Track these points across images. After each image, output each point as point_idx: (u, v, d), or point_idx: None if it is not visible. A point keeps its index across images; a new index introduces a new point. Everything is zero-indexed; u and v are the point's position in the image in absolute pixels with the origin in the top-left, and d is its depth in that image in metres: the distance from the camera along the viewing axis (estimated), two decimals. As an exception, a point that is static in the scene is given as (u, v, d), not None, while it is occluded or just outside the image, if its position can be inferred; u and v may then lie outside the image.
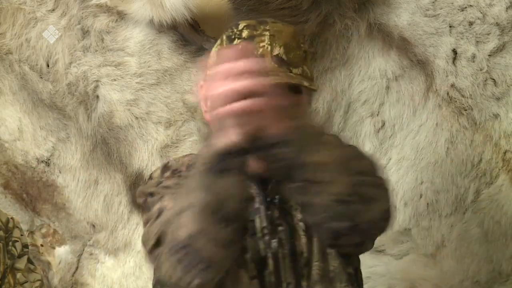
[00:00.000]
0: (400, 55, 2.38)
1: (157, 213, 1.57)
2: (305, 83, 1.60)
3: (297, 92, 1.62)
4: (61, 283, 2.56)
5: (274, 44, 1.59)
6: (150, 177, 1.71)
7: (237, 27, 1.65)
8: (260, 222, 1.62)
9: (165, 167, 1.69)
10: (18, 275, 1.99)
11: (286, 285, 1.60)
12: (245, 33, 1.62)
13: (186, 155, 1.77)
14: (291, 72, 1.60)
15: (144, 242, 1.60)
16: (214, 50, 1.70)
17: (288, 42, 1.61)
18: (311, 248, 1.62)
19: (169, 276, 1.48)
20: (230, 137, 1.41)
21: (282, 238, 1.62)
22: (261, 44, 1.59)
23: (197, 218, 1.44)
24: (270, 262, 1.61)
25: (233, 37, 1.64)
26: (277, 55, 1.59)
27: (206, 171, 1.45)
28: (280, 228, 1.63)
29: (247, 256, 1.58)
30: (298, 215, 1.63)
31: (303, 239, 1.63)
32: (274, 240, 1.61)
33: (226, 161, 1.45)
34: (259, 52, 1.58)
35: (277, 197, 1.63)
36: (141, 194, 1.67)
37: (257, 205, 1.63)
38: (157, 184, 1.66)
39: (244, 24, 1.64)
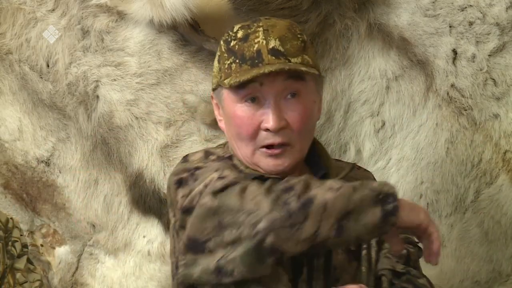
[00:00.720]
0: (400, 55, 2.38)
1: (219, 174, 1.55)
2: (303, 68, 1.60)
3: (299, 79, 1.63)
4: (61, 283, 2.56)
5: (269, 38, 1.60)
6: (186, 160, 1.69)
7: (232, 30, 1.66)
8: None
9: (207, 152, 1.69)
10: (18, 275, 1.99)
11: None
12: (240, 34, 1.63)
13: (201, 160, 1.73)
14: (290, 62, 1.60)
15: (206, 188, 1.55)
16: (217, 58, 1.70)
17: (283, 34, 1.61)
18: (344, 265, 1.65)
19: (256, 208, 1.45)
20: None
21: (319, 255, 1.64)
22: (256, 40, 1.60)
23: None
24: (305, 270, 1.62)
25: (229, 39, 1.65)
26: (273, 47, 1.59)
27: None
28: None
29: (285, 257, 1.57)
30: None
31: (340, 255, 1.65)
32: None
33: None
34: (254, 48, 1.59)
35: None
36: (182, 171, 1.64)
37: None
38: (203, 161, 1.65)
39: (239, 25, 1.66)
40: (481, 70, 2.35)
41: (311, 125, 1.68)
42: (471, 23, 2.35)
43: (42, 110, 2.48)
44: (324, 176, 1.66)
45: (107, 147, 2.47)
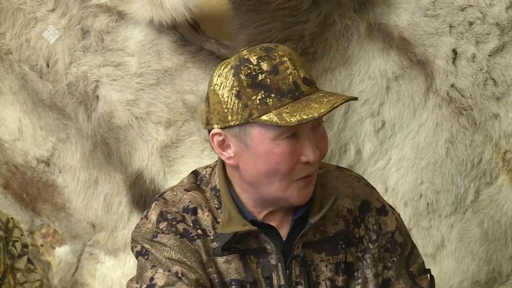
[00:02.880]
0: (400, 55, 2.38)
1: (149, 284, 1.58)
2: (341, 101, 1.54)
3: None
4: (61, 283, 2.56)
5: (297, 67, 1.54)
6: (146, 217, 1.65)
7: (249, 62, 1.53)
8: (277, 279, 1.61)
9: (161, 215, 1.63)
10: (18, 275, 1.99)
11: None
12: (265, 66, 1.53)
13: (185, 186, 1.70)
14: (318, 89, 1.56)
15: None
16: (234, 94, 1.55)
17: (301, 60, 1.57)
18: None
19: None
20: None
21: None
22: (288, 72, 1.52)
23: None
24: None
25: (254, 73, 1.52)
26: (304, 76, 1.54)
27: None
28: (299, 287, 1.62)
29: None
30: (327, 273, 1.63)
31: None
32: None
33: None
34: (291, 81, 1.52)
35: (300, 254, 1.61)
36: (135, 241, 1.64)
37: (273, 261, 1.61)
38: (152, 236, 1.62)
39: (254, 56, 1.54)
40: (481, 70, 2.35)
41: None
42: (471, 23, 2.35)
43: (42, 110, 2.48)
44: (305, 215, 1.63)
45: (107, 147, 2.47)
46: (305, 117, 1.49)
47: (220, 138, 1.58)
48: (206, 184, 1.67)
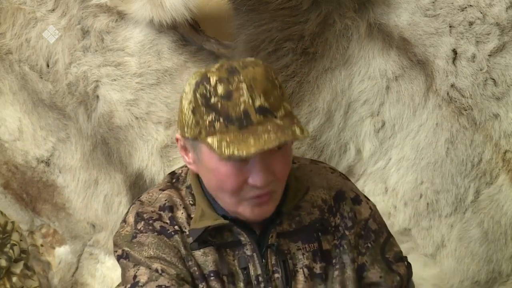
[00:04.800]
0: (400, 55, 2.38)
1: (133, 283, 1.61)
2: (297, 132, 1.53)
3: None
4: (61, 283, 2.56)
5: (254, 95, 1.51)
6: (124, 221, 1.69)
7: (208, 82, 1.54)
8: (254, 269, 1.63)
9: (138, 215, 1.66)
10: (14, 279, 2.00)
11: None
12: (220, 90, 1.52)
13: (160, 187, 1.73)
14: (276, 117, 1.53)
15: None
16: (190, 108, 1.57)
17: (265, 87, 1.53)
18: None
19: None
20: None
21: (278, 286, 1.64)
22: (241, 99, 1.51)
23: None
24: None
25: (208, 95, 1.53)
26: (259, 106, 1.52)
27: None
28: (277, 275, 1.64)
29: None
30: (304, 260, 1.66)
31: (301, 284, 1.65)
32: None
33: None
34: (241, 109, 1.51)
35: (275, 243, 1.64)
36: (116, 246, 1.67)
37: (249, 252, 1.64)
38: (131, 237, 1.64)
39: (215, 77, 1.54)
40: (481, 70, 2.35)
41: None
42: (471, 23, 2.35)
43: (42, 110, 2.48)
44: (279, 206, 1.65)
45: (107, 147, 2.47)
46: (235, 152, 1.48)
47: (181, 143, 1.62)
48: (182, 183, 1.71)
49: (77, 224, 2.52)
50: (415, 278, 2.36)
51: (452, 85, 2.36)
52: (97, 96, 2.46)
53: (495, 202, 2.37)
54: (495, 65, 2.36)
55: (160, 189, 1.70)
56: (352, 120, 2.41)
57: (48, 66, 2.47)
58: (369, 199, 1.79)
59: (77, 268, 2.56)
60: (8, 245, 2.00)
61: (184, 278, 1.60)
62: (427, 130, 2.38)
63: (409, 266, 1.79)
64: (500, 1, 2.34)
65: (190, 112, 1.56)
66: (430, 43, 2.36)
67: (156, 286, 1.57)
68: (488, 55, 2.35)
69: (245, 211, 1.59)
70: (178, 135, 1.62)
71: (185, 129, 1.57)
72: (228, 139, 1.50)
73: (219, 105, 1.51)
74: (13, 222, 2.06)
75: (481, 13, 2.35)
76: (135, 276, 1.61)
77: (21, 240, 2.05)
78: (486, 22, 2.35)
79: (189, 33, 2.45)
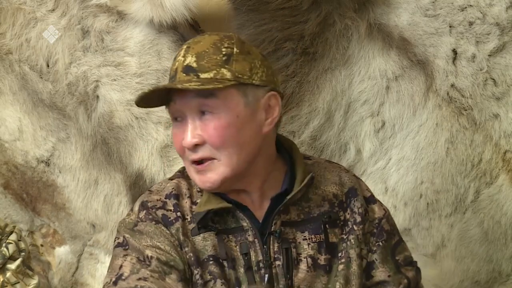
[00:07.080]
0: (400, 55, 2.38)
1: (118, 273, 1.62)
2: (194, 85, 1.59)
3: (209, 96, 1.61)
4: (61, 283, 2.56)
5: (187, 55, 1.62)
6: (131, 209, 1.72)
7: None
8: (255, 255, 1.64)
9: (142, 205, 1.70)
10: (8, 274, 2.01)
11: None
12: (178, 50, 1.67)
13: (171, 177, 1.78)
14: (199, 77, 1.60)
15: None
16: None
17: (203, 49, 1.62)
18: (310, 283, 1.66)
19: None
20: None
21: (278, 273, 1.65)
22: (178, 58, 1.64)
23: None
24: None
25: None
26: (187, 64, 1.62)
27: None
28: (278, 262, 1.65)
29: None
30: (309, 251, 1.67)
31: (302, 274, 1.66)
32: (267, 274, 1.64)
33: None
34: (175, 67, 1.64)
35: (278, 230, 1.65)
36: (118, 232, 1.70)
37: (250, 238, 1.65)
38: (133, 225, 1.68)
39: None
40: (481, 70, 2.35)
41: (238, 139, 1.62)
42: (471, 23, 2.35)
43: (42, 110, 2.48)
44: (285, 194, 1.68)
45: (107, 147, 2.47)
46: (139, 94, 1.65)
47: None
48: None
49: (77, 224, 2.52)
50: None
51: (452, 85, 2.36)
52: (97, 96, 2.45)
53: (495, 202, 2.37)
54: (495, 65, 2.36)
55: (169, 179, 1.76)
56: (352, 120, 2.41)
57: (48, 66, 2.47)
58: (382, 203, 1.81)
59: (77, 268, 2.56)
60: (4, 244, 2.02)
61: (174, 266, 1.62)
62: (427, 130, 2.38)
63: (418, 271, 1.80)
64: (500, 1, 2.34)
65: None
66: (430, 43, 2.36)
67: (137, 279, 1.58)
68: (488, 55, 2.35)
69: (194, 178, 1.66)
70: None
71: None
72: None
73: (171, 66, 1.68)
74: (14, 226, 2.09)
75: (481, 13, 2.35)
76: (121, 266, 1.63)
77: (19, 241, 2.06)
78: (486, 22, 2.35)
79: (189, 33, 2.45)
